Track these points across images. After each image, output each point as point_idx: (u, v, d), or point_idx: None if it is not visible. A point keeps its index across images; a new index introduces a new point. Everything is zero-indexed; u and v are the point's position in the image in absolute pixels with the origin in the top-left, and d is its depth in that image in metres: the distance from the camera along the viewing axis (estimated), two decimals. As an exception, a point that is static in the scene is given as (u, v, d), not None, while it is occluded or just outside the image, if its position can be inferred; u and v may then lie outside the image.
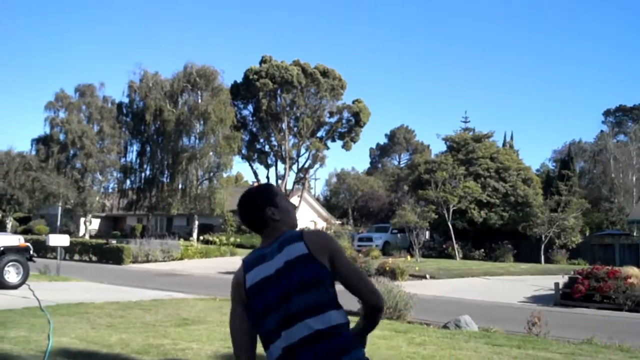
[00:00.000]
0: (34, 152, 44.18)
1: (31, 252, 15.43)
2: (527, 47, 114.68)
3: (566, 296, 16.53)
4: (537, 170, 51.65)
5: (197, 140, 41.17)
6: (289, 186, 47.13)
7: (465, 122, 45.89)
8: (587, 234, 35.83)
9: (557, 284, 16.97)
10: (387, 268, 21.02)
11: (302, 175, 47.96)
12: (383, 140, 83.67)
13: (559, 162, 45.64)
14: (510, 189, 34.90)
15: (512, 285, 20.71)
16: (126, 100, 43.09)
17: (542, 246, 31.81)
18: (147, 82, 41.83)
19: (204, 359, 7.02)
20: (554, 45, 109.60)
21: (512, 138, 50.07)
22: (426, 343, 8.73)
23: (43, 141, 42.76)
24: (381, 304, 2.43)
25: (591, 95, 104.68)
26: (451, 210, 32.68)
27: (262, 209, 2.48)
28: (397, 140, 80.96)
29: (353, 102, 46.74)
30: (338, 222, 50.16)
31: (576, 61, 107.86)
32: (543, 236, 31.88)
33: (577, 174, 43.39)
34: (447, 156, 37.18)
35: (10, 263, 14.45)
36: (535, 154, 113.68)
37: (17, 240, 15.53)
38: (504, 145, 44.85)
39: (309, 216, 47.70)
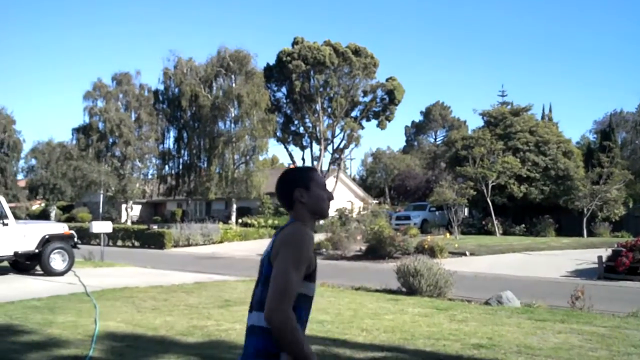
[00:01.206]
0: (74, 142, 45.00)
1: (75, 239, 15.79)
2: (564, 16, 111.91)
3: (610, 269, 16.25)
4: (578, 142, 50.64)
5: (232, 124, 41.43)
6: (325, 167, 47.14)
7: (503, 95, 45.22)
8: (631, 205, 34.95)
9: (600, 257, 16.68)
10: (426, 246, 20.96)
11: (337, 156, 47.88)
12: (418, 118, 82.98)
13: (600, 133, 44.59)
14: (550, 163, 34.27)
15: (554, 260, 20.42)
16: (162, 87, 43.56)
17: (585, 219, 31.25)
18: (182, 68, 42.18)
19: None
20: (592, 13, 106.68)
21: (550, 110, 49.03)
22: (468, 320, 8.69)
23: (83, 130, 43.48)
24: (268, 313, 2.15)
25: (632, 63, 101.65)
26: (490, 186, 32.30)
27: (292, 188, 2.45)
28: (432, 117, 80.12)
29: (387, 80, 46.37)
30: (375, 201, 50.01)
31: (615, 29, 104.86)
32: (585, 209, 31.30)
33: (619, 145, 42.36)
34: (484, 131, 36.64)
35: (56, 251, 14.84)
36: (575, 126, 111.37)
37: (62, 228, 15.90)
38: (542, 118, 43.96)
39: (345, 196, 47.68)
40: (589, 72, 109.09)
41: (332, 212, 40.67)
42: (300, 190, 2.43)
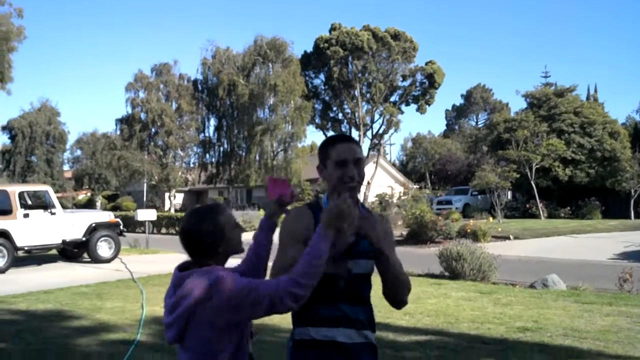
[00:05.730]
0: (118, 132, 45.80)
1: (121, 227, 16.13)
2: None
3: (660, 252, 15.83)
4: (624, 123, 49.14)
5: (270, 113, 41.62)
6: (364, 153, 46.97)
7: (546, 76, 44.12)
8: (681, 186, 33.99)
9: (649, 240, 16.26)
10: (469, 230, 20.69)
11: (377, 142, 47.64)
12: (459, 101, 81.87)
13: (647, 113, 43.38)
14: (596, 144, 33.49)
15: (601, 243, 19.96)
16: (200, 77, 44.08)
17: (632, 201, 30.53)
18: (220, 57, 42.52)
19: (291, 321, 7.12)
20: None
21: (596, 91, 47.96)
22: (512, 303, 8.58)
23: (126, 121, 44.17)
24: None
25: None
26: (534, 169, 31.76)
27: None
28: (473, 100, 78.93)
29: (426, 64, 45.82)
30: (416, 186, 49.69)
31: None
32: (632, 191, 30.57)
33: (668, 124, 41.09)
34: (527, 113, 35.96)
35: (103, 238, 15.20)
36: (621, 106, 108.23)
37: (108, 216, 16.26)
38: (587, 98, 42.92)
39: (385, 182, 47.45)
40: (634, 50, 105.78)
41: (372, 197, 40.61)
42: None
